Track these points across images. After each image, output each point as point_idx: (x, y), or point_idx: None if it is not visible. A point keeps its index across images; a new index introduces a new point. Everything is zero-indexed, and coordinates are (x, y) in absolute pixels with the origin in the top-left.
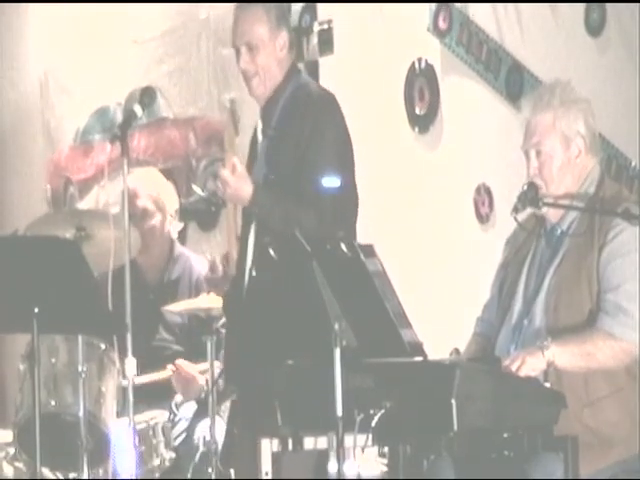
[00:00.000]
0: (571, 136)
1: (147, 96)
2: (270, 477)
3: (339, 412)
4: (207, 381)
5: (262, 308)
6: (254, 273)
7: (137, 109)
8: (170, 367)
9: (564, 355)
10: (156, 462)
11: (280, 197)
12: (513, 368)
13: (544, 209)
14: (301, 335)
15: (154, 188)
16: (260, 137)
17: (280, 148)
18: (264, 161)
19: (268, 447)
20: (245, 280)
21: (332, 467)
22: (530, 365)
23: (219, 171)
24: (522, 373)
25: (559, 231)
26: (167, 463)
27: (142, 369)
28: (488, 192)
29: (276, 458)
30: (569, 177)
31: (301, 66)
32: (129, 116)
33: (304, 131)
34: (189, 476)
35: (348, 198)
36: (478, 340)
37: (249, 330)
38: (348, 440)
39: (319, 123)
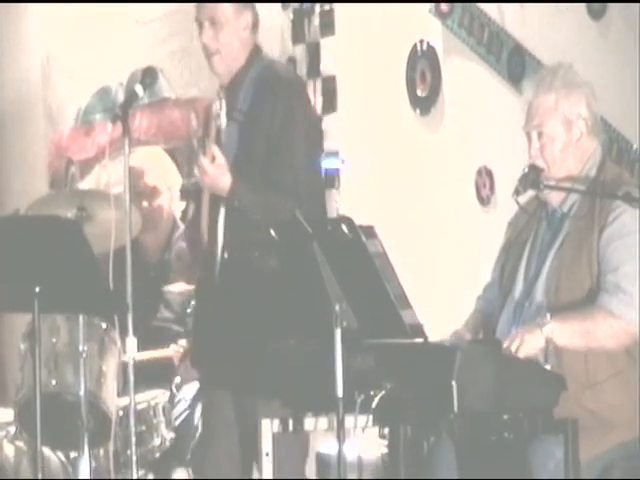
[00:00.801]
0: (573, 118)
1: (149, 76)
2: (271, 457)
3: (339, 393)
4: None
5: (235, 290)
6: (226, 255)
7: (138, 89)
8: (173, 347)
9: (563, 332)
10: (157, 442)
11: (257, 186)
12: (512, 347)
13: (545, 192)
14: (301, 316)
15: (161, 167)
16: (224, 120)
17: (251, 133)
18: (234, 146)
19: (269, 427)
20: (217, 263)
21: (330, 448)
22: (529, 343)
23: (198, 160)
24: (521, 352)
25: (560, 213)
26: (167, 443)
27: (143, 347)
28: (489, 174)
29: (277, 439)
30: (571, 159)
31: (302, 47)
32: (130, 96)
33: (276, 116)
34: (189, 456)
35: (320, 182)
36: (477, 316)
37: (222, 313)
38: (348, 421)
39: (291, 108)
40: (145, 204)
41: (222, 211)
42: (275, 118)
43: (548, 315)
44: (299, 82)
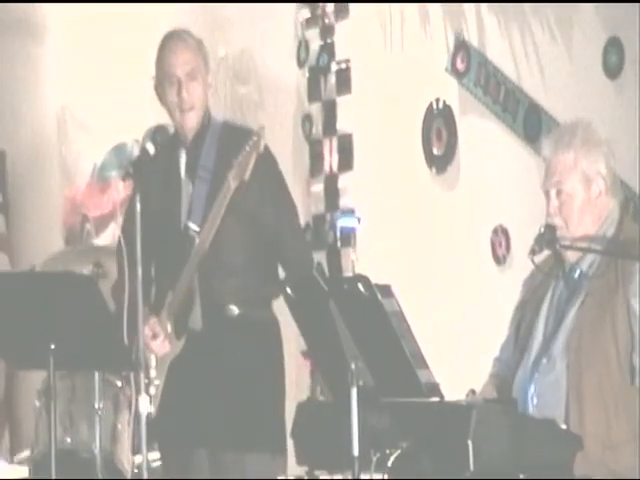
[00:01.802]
0: (592, 176)
1: (159, 134)
2: None
3: (355, 451)
4: None
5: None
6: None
7: (149, 147)
8: None
9: None
10: None
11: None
12: None
13: (562, 250)
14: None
15: None
16: (183, 173)
17: (221, 191)
18: (195, 203)
19: None
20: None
21: None
22: None
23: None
24: None
25: (578, 271)
26: None
27: None
28: (505, 233)
29: None
30: (589, 217)
31: (318, 105)
32: (142, 154)
33: (253, 176)
34: None
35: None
36: (494, 381)
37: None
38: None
39: (265, 165)
40: None
41: (196, 261)
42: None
43: None
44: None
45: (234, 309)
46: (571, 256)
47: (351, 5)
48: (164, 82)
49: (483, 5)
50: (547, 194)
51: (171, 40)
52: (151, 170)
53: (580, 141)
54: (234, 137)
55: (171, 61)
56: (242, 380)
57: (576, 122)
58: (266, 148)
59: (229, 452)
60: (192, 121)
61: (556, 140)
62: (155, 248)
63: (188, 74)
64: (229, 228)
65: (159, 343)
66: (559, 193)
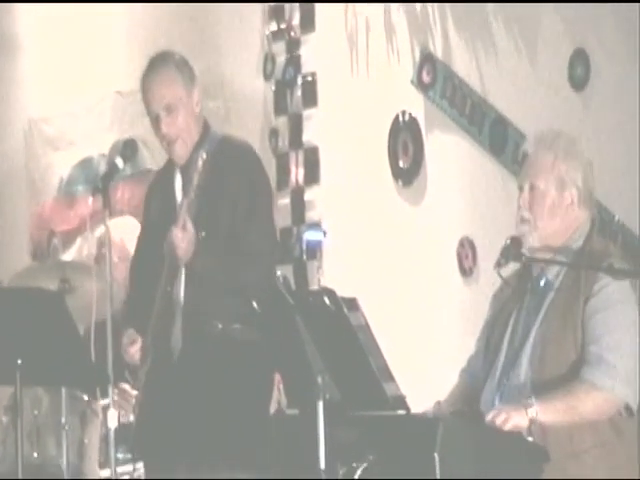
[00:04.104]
0: (567, 182)
1: (129, 149)
2: None
3: (322, 465)
4: None
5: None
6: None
7: (119, 162)
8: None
9: (547, 411)
10: None
11: (220, 253)
12: (497, 422)
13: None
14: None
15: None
16: (178, 195)
17: (212, 207)
18: (191, 220)
19: None
20: (175, 334)
21: None
22: (514, 421)
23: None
24: (506, 428)
25: (544, 279)
26: None
27: None
28: (471, 245)
29: None
30: (558, 220)
31: (285, 119)
32: (111, 169)
33: (237, 191)
34: None
35: (275, 249)
36: (460, 390)
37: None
38: None
39: (251, 182)
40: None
41: (182, 277)
42: (236, 192)
43: (533, 397)
44: (252, 152)
45: (217, 325)
46: (538, 266)
47: (317, 18)
48: (150, 117)
49: (449, 18)
50: (521, 188)
51: (147, 75)
52: (151, 193)
53: (562, 146)
54: (229, 154)
55: (147, 98)
56: (225, 395)
57: (562, 132)
58: (258, 164)
59: (210, 468)
60: (181, 150)
61: (539, 139)
62: (155, 272)
63: (165, 108)
64: (209, 243)
65: (136, 350)
66: (532, 188)
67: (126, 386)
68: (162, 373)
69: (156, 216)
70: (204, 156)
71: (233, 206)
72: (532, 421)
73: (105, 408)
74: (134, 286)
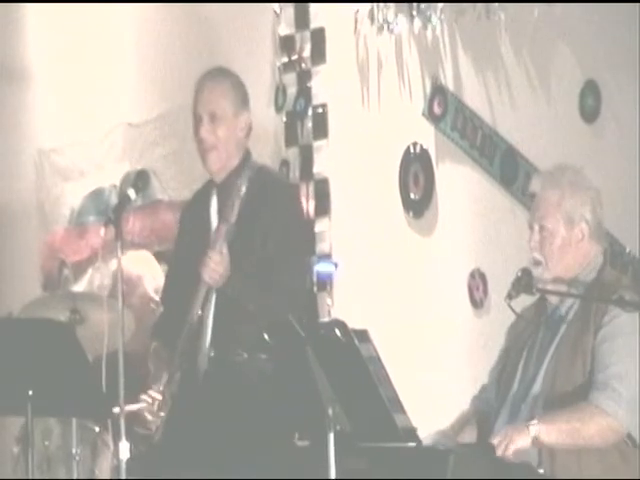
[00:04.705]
0: (575, 219)
1: (141, 180)
2: None
3: None
4: None
5: (221, 390)
6: (212, 354)
7: (131, 193)
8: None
9: (551, 432)
10: None
11: (252, 279)
12: (501, 446)
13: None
14: (296, 418)
15: (150, 271)
16: (215, 219)
17: (247, 235)
18: (225, 247)
19: None
20: (202, 361)
21: None
22: (517, 442)
23: (208, 255)
24: (510, 450)
25: (558, 315)
26: None
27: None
28: (482, 277)
29: None
30: (570, 259)
31: (295, 150)
32: (123, 200)
33: (271, 224)
34: None
35: (306, 285)
36: (470, 415)
37: (205, 412)
38: None
39: (286, 217)
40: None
41: (213, 301)
42: (270, 225)
43: (536, 419)
44: (294, 187)
45: (242, 354)
46: (553, 299)
47: (328, 50)
48: (193, 119)
49: (459, 49)
50: (531, 228)
51: (203, 78)
52: (186, 213)
53: (568, 182)
54: (269, 184)
55: (197, 98)
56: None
57: (567, 165)
58: (294, 194)
59: None
60: (214, 162)
61: (545, 177)
62: (186, 293)
63: (209, 113)
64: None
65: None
66: (542, 229)
67: (157, 395)
68: (188, 396)
69: (190, 237)
70: (246, 183)
71: (267, 237)
72: (534, 441)
73: (116, 438)
74: (166, 304)
